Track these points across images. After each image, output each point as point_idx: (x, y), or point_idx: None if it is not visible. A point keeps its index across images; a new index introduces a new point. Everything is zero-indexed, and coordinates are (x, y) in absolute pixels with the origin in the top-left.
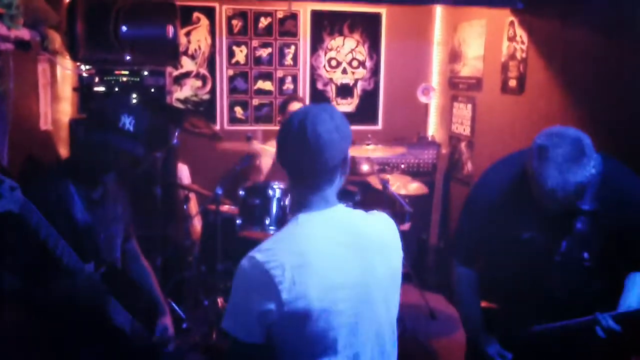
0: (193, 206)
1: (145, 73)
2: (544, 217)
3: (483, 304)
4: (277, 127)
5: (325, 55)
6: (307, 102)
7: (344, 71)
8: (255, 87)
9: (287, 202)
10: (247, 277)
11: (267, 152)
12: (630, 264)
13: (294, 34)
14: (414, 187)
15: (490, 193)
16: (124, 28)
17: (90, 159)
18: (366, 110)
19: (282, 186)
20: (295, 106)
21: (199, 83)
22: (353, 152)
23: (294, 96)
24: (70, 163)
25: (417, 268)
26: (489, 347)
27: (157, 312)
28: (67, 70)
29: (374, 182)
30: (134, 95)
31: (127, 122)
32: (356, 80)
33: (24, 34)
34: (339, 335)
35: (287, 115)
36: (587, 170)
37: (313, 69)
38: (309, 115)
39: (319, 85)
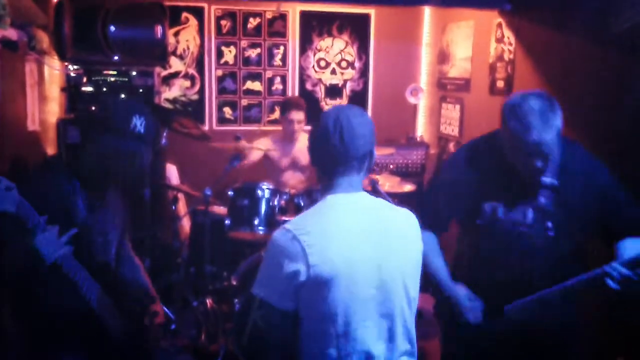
0: (182, 207)
1: (134, 73)
2: (508, 187)
3: None
4: (267, 128)
5: (314, 55)
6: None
7: (333, 72)
8: (244, 88)
9: (276, 203)
10: (278, 245)
11: (255, 150)
12: (610, 237)
13: (283, 34)
14: (403, 187)
15: (455, 167)
16: (112, 28)
17: (102, 166)
18: None
19: (271, 187)
20: (295, 115)
21: (187, 83)
22: None
23: (294, 102)
24: (79, 168)
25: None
26: (459, 294)
27: (147, 301)
28: (55, 70)
29: (363, 182)
30: (122, 96)
31: (138, 123)
32: (345, 81)
33: (12, 34)
34: (359, 307)
35: (287, 124)
36: (560, 119)
37: (302, 69)
38: (342, 111)
39: (308, 86)
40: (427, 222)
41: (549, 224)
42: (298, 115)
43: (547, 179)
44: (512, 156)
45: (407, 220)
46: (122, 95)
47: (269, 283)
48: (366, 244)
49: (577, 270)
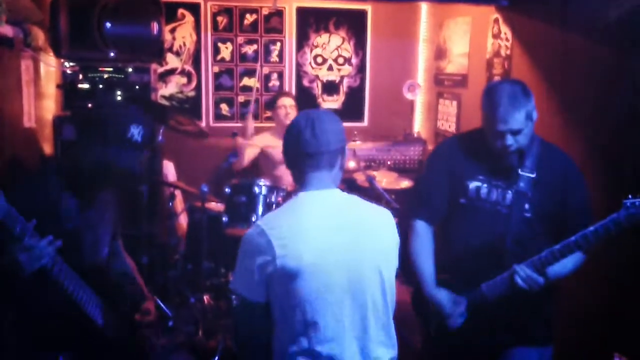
0: (179, 203)
1: (130, 70)
2: (492, 171)
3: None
4: (263, 124)
5: (311, 52)
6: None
7: (330, 68)
8: (241, 84)
9: (273, 200)
10: (249, 240)
11: (252, 145)
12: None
13: (280, 30)
14: (400, 183)
15: (443, 151)
16: (108, 25)
17: (96, 172)
18: (352, 107)
19: (267, 183)
20: (284, 101)
21: (184, 80)
22: None
23: (281, 91)
24: (72, 170)
25: (403, 264)
26: (440, 298)
27: (139, 299)
28: (50, 67)
29: (360, 178)
30: (119, 92)
31: (136, 132)
32: (342, 77)
33: (7, 30)
34: (328, 297)
35: (277, 110)
36: (531, 104)
37: (299, 65)
38: (313, 110)
39: (305, 82)
40: (421, 209)
41: (527, 206)
42: (287, 101)
43: (527, 169)
44: (490, 137)
45: (380, 215)
46: (118, 93)
47: (241, 277)
48: (335, 237)
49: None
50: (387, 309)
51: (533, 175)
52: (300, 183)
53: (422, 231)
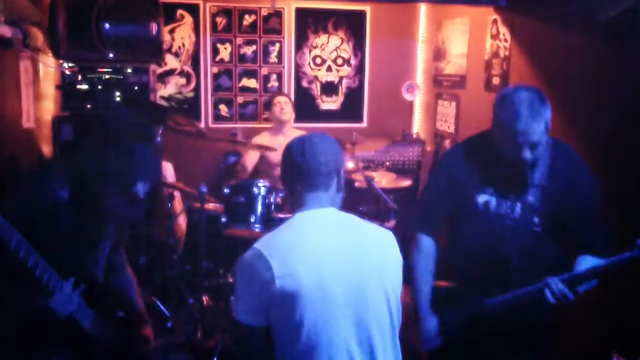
0: (177, 204)
1: (129, 70)
2: (500, 182)
3: (441, 283)
4: (262, 125)
5: (309, 52)
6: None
7: (329, 69)
8: (240, 85)
9: (272, 200)
10: (246, 264)
11: (252, 152)
12: (577, 246)
13: (279, 31)
14: (399, 183)
15: (450, 162)
16: (107, 25)
17: (94, 208)
18: (351, 108)
19: (267, 184)
20: (279, 99)
21: (183, 81)
22: None
23: (276, 91)
24: (71, 182)
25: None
26: (428, 324)
27: (138, 324)
28: (49, 67)
29: (359, 179)
30: (117, 93)
31: (141, 189)
32: (341, 78)
33: (6, 31)
34: (330, 318)
35: (273, 108)
36: (549, 113)
37: (298, 66)
38: (306, 135)
39: (304, 83)
40: (425, 222)
41: (536, 220)
42: (282, 99)
43: (536, 179)
44: (504, 148)
45: (381, 234)
46: (117, 94)
47: (243, 304)
48: (335, 255)
49: (558, 265)
50: (394, 328)
51: (542, 187)
52: (297, 204)
53: (425, 246)
